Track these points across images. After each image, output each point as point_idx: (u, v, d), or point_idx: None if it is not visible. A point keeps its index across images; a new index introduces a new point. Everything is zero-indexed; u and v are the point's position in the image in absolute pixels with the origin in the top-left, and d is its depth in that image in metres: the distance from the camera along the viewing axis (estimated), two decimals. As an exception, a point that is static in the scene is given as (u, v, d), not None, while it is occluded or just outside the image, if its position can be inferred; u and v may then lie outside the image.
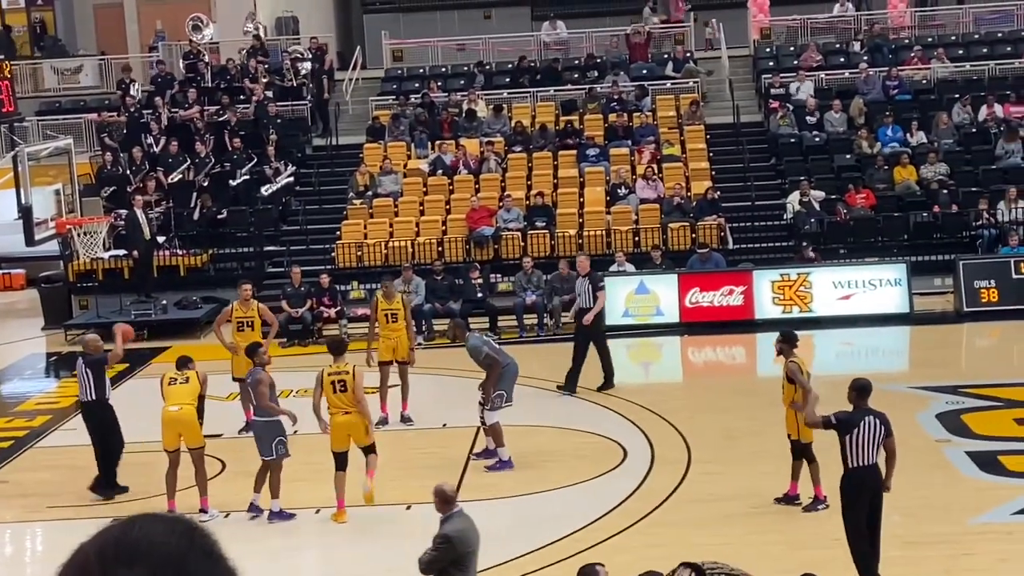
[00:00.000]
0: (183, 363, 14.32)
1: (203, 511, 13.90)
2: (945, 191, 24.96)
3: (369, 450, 13.85)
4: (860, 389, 11.37)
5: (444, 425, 17.04)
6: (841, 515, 11.26)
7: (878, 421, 11.14)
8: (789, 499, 13.47)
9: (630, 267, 23.00)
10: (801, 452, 13.30)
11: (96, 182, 27.06)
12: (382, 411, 17.00)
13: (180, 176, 26.90)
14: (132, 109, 28.71)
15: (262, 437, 13.80)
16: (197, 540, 1.78)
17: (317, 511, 13.99)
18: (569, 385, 18.39)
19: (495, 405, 15.17)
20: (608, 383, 18.57)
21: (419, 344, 22.01)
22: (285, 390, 15.06)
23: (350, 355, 14.39)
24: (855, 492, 11.12)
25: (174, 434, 13.94)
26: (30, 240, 20.96)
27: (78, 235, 22.51)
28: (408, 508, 14.11)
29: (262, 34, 31.34)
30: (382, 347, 17.11)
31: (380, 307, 17.24)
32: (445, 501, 10.03)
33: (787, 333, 13.81)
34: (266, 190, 26.59)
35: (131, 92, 29.31)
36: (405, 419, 17.18)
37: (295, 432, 14.05)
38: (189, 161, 27.12)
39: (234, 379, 16.77)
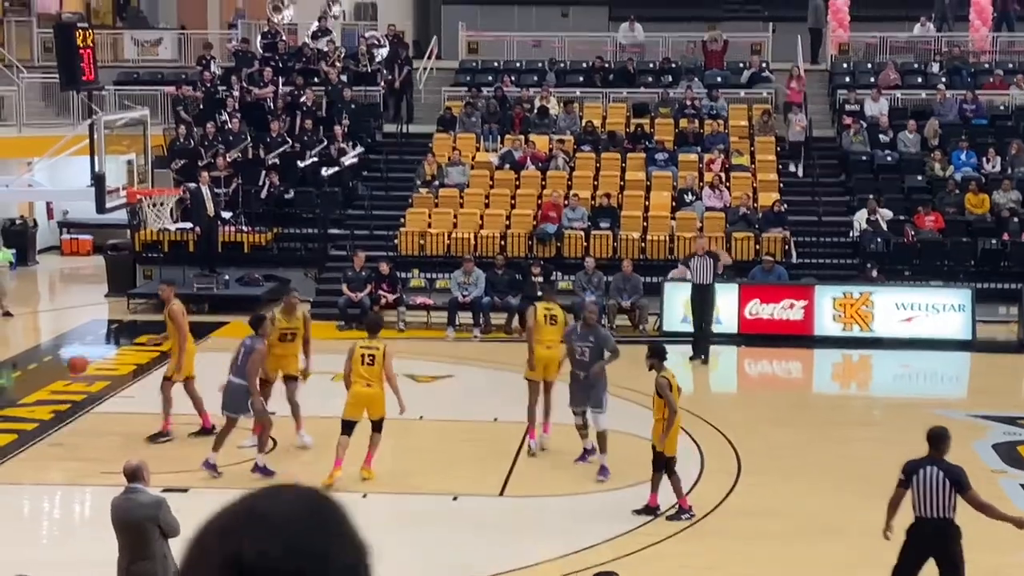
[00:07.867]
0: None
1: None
2: (1016, 219, 24.66)
3: (378, 426, 14.14)
4: (931, 438, 10.55)
5: (495, 419, 17.06)
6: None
7: (941, 473, 10.28)
8: (649, 510, 13.44)
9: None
10: (663, 465, 13.26)
11: (168, 154, 27.33)
12: (531, 437, 15.70)
13: (239, 154, 27.06)
14: (208, 85, 28.98)
15: (240, 397, 14.44)
16: (323, 514, 1.75)
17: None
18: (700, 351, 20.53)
19: (606, 406, 14.80)
20: (704, 353, 20.54)
21: (475, 337, 22.19)
22: (338, 374, 15.15)
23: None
24: (909, 540, 10.50)
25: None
26: (101, 207, 21.21)
27: (148, 206, 22.77)
28: (455, 499, 14.17)
29: (340, 18, 31.52)
30: (537, 365, 15.49)
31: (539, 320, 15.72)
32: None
33: (657, 347, 13.71)
34: (326, 171, 26.65)
35: (210, 68, 29.59)
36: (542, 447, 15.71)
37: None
38: (249, 139, 27.30)
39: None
